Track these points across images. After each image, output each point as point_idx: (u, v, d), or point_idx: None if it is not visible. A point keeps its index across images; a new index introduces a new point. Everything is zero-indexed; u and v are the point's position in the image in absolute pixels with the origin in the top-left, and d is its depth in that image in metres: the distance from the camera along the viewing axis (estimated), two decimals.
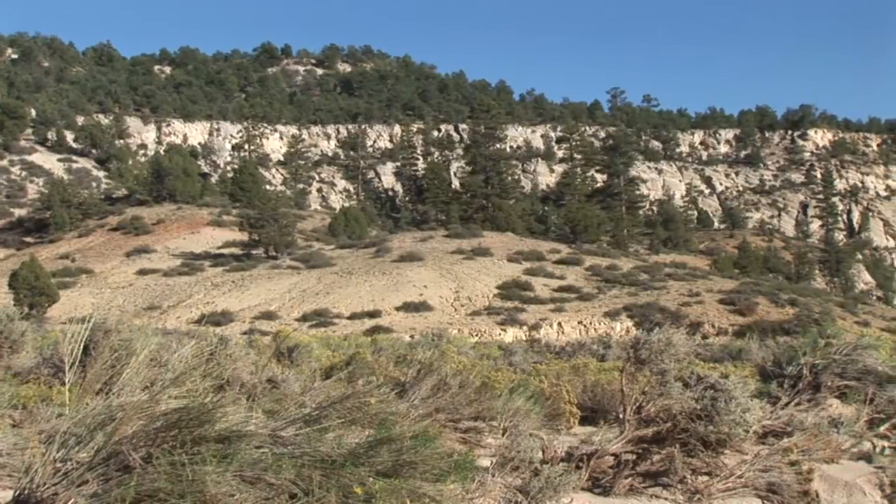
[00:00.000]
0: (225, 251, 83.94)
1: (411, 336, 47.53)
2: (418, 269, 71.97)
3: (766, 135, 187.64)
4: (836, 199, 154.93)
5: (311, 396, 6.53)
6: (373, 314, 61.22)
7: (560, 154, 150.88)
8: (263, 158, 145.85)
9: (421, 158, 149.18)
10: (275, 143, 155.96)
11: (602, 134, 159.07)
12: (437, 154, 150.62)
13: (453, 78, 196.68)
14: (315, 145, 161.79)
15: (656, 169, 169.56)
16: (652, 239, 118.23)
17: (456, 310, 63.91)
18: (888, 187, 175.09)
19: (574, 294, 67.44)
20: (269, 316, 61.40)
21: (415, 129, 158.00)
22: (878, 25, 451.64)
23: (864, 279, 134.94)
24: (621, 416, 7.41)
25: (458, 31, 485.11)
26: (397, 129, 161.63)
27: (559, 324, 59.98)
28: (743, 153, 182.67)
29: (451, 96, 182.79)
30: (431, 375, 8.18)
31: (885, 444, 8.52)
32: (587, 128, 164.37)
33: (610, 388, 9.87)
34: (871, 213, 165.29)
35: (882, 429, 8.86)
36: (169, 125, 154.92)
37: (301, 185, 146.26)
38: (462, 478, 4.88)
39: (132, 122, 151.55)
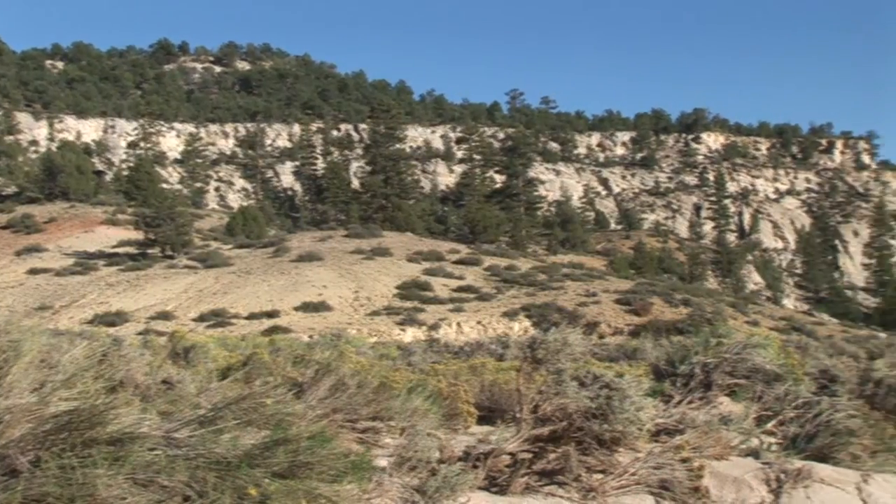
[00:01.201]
0: (120, 250, 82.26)
1: (310, 336, 47.20)
2: (317, 269, 71.59)
3: (661, 137, 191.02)
4: (727, 202, 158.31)
5: (207, 397, 6.45)
6: (271, 314, 60.68)
7: (459, 155, 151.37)
8: (160, 156, 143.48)
9: (320, 158, 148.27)
10: (171, 142, 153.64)
11: (501, 135, 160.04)
12: (336, 154, 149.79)
13: (353, 77, 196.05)
14: (213, 144, 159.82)
15: (554, 170, 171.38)
16: (550, 239, 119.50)
17: (355, 310, 63.68)
18: (777, 190, 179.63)
19: (473, 294, 67.72)
20: (165, 316, 60.43)
21: (314, 129, 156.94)
22: (769, 29, 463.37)
23: (754, 279, 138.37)
24: (518, 415, 7.46)
25: (358, 30, 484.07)
26: (296, 128, 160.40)
27: (458, 324, 60.15)
28: (639, 155, 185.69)
29: (351, 96, 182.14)
30: (329, 375, 8.14)
31: (772, 440, 8.73)
32: (486, 129, 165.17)
33: (507, 387, 9.93)
34: (760, 216, 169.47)
35: (769, 426, 9.08)
36: (61, 121, 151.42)
37: (198, 184, 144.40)
38: (359, 478, 4.88)
39: (22, 118, 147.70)
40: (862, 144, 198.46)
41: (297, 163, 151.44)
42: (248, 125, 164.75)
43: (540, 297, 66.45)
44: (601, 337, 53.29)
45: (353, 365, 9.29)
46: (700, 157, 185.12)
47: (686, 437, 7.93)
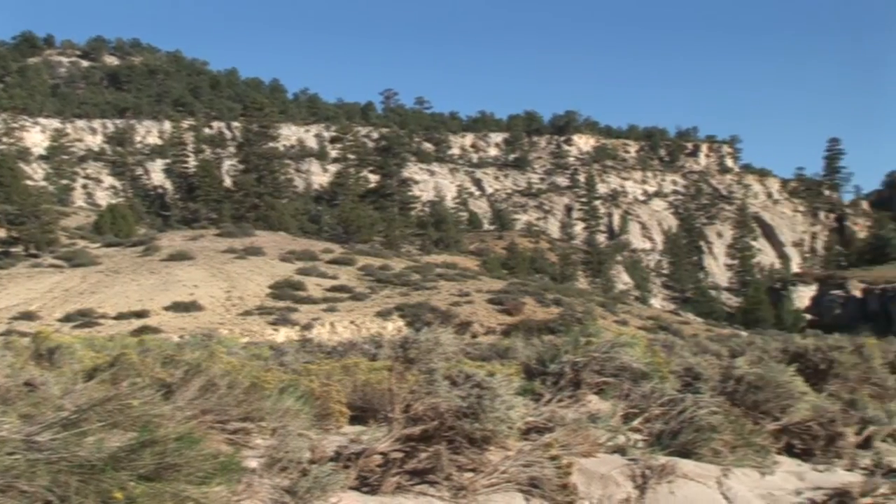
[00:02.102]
0: None
1: (181, 336, 46.41)
2: (188, 269, 70.48)
3: (534, 139, 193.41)
4: (598, 203, 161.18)
5: (72, 399, 6.31)
6: (140, 314, 59.47)
7: (333, 154, 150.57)
8: (23, 152, 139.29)
9: (192, 156, 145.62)
10: (36, 137, 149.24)
11: (375, 135, 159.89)
12: (208, 152, 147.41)
13: (226, 75, 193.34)
14: (80, 140, 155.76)
15: (428, 170, 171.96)
16: (423, 239, 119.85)
17: (227, 310, 62.87)
18: (645, 192, 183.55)
19: (347, 294, 67.53)
20: (28, 316, 58.66)
21: (186, 126, 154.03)
22: (638, 33, 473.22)
23: (623, 280, 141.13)
24: (390, 414, 7.47)
25: (230, 27, 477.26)
26: (167, 125, 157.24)
27: (331, 323, 59.88)
28: (511, 156, 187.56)
29: (224, 93, 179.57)
30: (199, 376, 8.02)
31: (638, 437, 8.92)
32: (361, 128, 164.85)
33: (380, 387, 9.93)
34: (629, 217, 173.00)
35: (635, 423, 9.28)
36: None
37: (65, 181, 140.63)
38: (228, 479, 4.82)
39: None
40: (725, 148, 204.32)
41: (168, 160, 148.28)
42: (117, 121, 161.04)
43: (413, 297, 66.62)
44: (474, 336, 53.64)
45: (224, 365, 9.17)
46: (571, 159, 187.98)
47: (555, 435, 8.05)
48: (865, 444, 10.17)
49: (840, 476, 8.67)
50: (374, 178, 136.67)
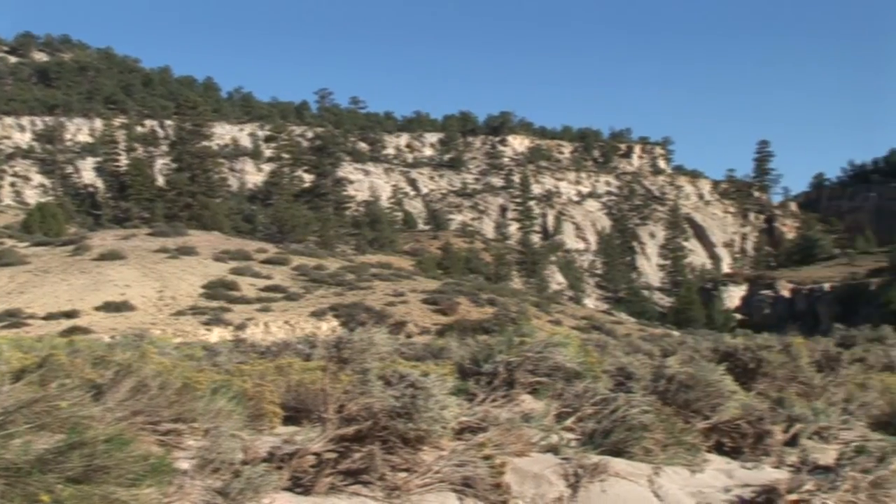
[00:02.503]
0: None
1: (112, 337, 45.84)
2: (120, 268, 69.61)
3: (469, 139, 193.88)
4: (532, 203, 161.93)
5: None
6: (70, 314, 58.58)
7: (268, 153, 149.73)
8: None
9: (124, 154, 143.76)
10: None
11: (310, 134, 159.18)
12: (140, 150, 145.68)
13: (158, 73, 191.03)
14: (8, 137, 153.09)
15: (363, 170, 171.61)
16: (358, 239, 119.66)
17: (159, 310, 62.22)
18: (579, 192, 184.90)
19: (281, 294, 67.18)
20: None
21: (117, 124, 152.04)
22: (571, 34, 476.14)
23: (557, 280, 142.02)
24: (324, 415, 7.45)
25: (163, 24, 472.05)
26: (98, 123, 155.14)
27: (265, 323, 59.52)
28: (446, 157, 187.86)
29: (156, 91, 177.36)
30: (130, 377, 7.93)
31: (571, 436, 8.98)
32: (295, 128, 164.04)
33: (314, 387, 9.88)
34: (563, 217, 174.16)
35: (568, 422, 9.34)
36: None
37: None
38: (159, 481, 4.78)
39: None
40: (658, 150, 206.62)
41: (99, 159, 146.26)
42: (47, 119, 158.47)
43: (348, 297, 66.47)
44: (408, 336, 53.60)
45: (156, 366, 9.07)
46: (506, 160, 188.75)
47: (489, 434, 8.08)
48: (792, 442, 10.34)
49: (767, 473, 8.81)
50: (308, 178, 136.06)
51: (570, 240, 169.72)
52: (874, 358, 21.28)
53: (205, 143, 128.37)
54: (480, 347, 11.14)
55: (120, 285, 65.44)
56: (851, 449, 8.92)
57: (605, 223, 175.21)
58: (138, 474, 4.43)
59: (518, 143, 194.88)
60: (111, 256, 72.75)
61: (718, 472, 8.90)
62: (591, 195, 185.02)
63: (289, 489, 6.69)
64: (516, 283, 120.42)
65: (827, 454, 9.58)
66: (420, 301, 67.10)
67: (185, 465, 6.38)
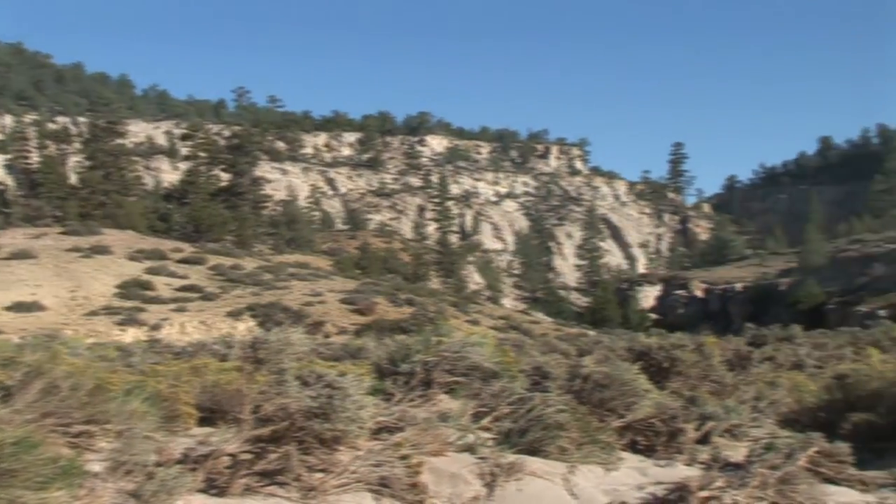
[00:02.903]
0: None
1: (22, 337, 44.96)
2: (31, 268, 68.29)
3: (387, 139, 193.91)
4: (450, 203, 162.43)
5: None
6: None
7: (184, 151, 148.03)
8: None
9: (35, 151, 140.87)
10: None
11: (227, 133, 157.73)
12: (52, 147, 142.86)
13: (71, 69, 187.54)
14: None
15: (281, 169, 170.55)
16: (276, 239, 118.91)
17: (72, 310, 61.17)
18: (497, 193, 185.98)
19: (197, 293, 66.49)
20: None
21: (28, 121, 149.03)
22: (487, 35, 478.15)
23: (475, 280, 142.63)
24: (239, 415, 7.40)
25: (76, 19, 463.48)
26: (9, 119, 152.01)
27: (181, 324, 58.85)
28: (365, 156, 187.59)
29: (69, 88, 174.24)
30: (40, 378, 7.79)
31: (488, 435, 9.03)
32: (212, 126, 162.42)
33: (230, 388, 9.81)
34: (481, 218, 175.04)
35: (485, 422, 9.39)
36: None
37: None
38: (69, 484, 4.71)
39: None
40: (575, 151, 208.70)
41: (10, 156, 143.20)
42: None
43: (265, 297, 66.00)
44: (326, 336, 53.40)
45: (67, 367, 8.92)
46: (424, 160, 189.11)
47: (405, 434, 8.09)
48: (704, 440, 10.52)
49: (680, 471, 8.96)
50: (225, 177, 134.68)
51: (487, 240, 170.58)
52: (783, 357, 21.74)
53: (119, 140, 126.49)
54: (398, 347, 11.15)
55: (31, 285, 64.19)
56: (761, 446, 9.08)
57: (523, 223, 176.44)
58: (48, 477, 4.36)
59: (436, 144, 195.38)
60: (22, 255, 71.31)
61: (632, 470, 9.03)
62: (509, 195, 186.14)
63: (203, 491, 6.63)
64: (434, 283, 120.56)
65: (737, 451, 9.75)
66: (338, 301, 66.89)
67: (96, 467, 6.29)
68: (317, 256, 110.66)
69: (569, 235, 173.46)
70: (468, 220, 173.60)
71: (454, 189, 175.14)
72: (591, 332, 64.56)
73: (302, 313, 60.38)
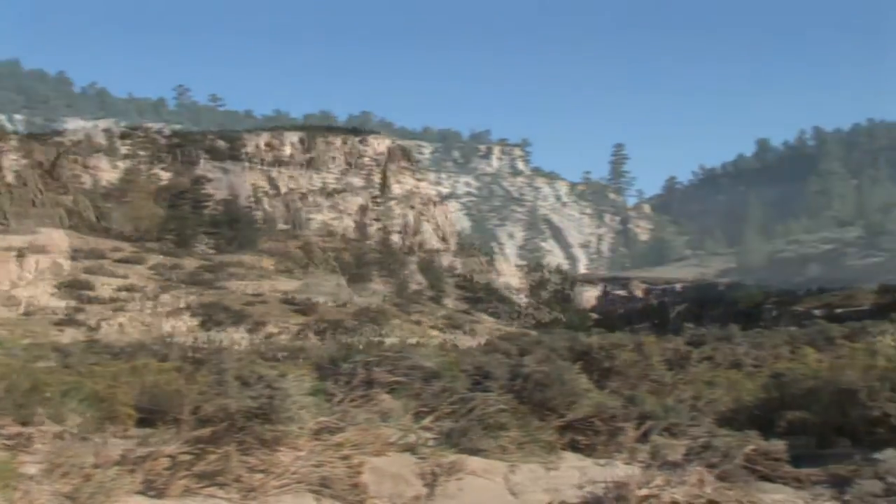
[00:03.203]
0: None
1: None
2: None
3: (329, 139, 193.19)
4: (392, 203, 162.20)
5: None
6: None
7: (124, 150, 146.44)
8: None
9: None
10: None
11: (168, 131, 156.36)
12: None
13: (8, 66, 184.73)
14: None
15: (222, 168, 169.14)
16: (217, 238, 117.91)
17: (8, 310, 60.31)
18: (439, 193, 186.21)
19: (137, 293, 65.84)
20: None
21: None
22: (427, 34, 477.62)
23: (417, 280, 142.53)
24: (179, 416, 7.35)
25: (12, 16, 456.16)
26: None
27: (120, 324, 58.29)
28: (307, 156, 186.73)
29: (5, 85, 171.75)
30: None
31: (429, 435, 9.03)
32: (152, 124, 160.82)
33: (169, 388, 9.74)
34: (424, 217, 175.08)
35: (426, 421, 9.39)
36: None
37: None
38: (3, 486, 4.65)
39: None
40: (517, 151, 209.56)
41: None
42: None
43: (206, 297, 65.56)
44: (268, 336, 53.22)
45: (2, 368, 8.81)
46: (366, 160, 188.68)
47: (347, 434, 8.07)
48: (644, 438, 10.60)
49: (620, 469, 9.02)
50: (165, 176, 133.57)
51: (430, 240, 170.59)
52: (721, 356, 21.95)
53: (57, 138, 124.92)
54: (339, 347, 11.13)
55: None
56: (699, 444, 9.18)
57: (465, 223, 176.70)
58: None
59: (378, 144, 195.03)
60: None
61: (572, 468, 9.07)
62: (452, 196, 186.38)
63: (142, 492, 6.57)
64: (377, 283, 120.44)
65: (676, 450, 9.84)
66: (279, 301, 66.60)
67: (32, 469, 6.21)
68: (259, 256, 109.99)
69: (510, 235, 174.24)
70: (410, 219, 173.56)
71: (396, 189, 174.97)
72: (532, 332, 64.86)
73: (243, 313, 60.06)
